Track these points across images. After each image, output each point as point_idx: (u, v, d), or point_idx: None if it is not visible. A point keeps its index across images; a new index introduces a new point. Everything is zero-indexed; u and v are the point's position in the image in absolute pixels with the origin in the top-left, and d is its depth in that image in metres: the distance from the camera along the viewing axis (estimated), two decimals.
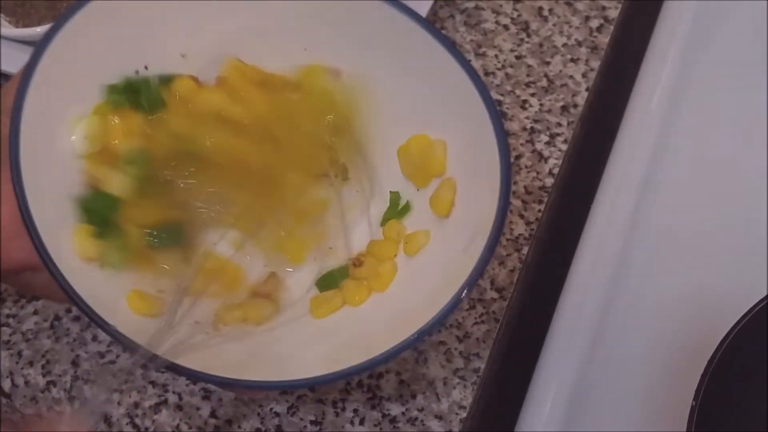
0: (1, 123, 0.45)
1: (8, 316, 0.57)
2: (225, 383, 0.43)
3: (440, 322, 0.43)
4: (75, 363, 0.56)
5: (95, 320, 0.42)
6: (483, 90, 0.46)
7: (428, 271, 0.48)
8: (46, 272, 0.42)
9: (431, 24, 0.48)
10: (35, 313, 0.58)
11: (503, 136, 0.45)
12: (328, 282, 0.50)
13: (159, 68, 0.51)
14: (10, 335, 0.57)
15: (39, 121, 0.44)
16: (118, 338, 0.42)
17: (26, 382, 0.55)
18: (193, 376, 0.43)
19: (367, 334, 0.46)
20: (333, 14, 0.49)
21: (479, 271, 0.43)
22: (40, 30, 0.67)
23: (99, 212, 0.47)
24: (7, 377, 0.56)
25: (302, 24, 0.50)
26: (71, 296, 0.42)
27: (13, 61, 0.66)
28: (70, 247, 0.45)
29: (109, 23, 0.48)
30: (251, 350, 0.47)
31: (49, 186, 0.45)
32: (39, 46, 0.45)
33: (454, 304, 0.43)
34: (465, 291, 0.43)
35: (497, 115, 0.45)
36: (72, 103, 0.47)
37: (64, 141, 0.46)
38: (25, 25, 0.68)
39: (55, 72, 0.45)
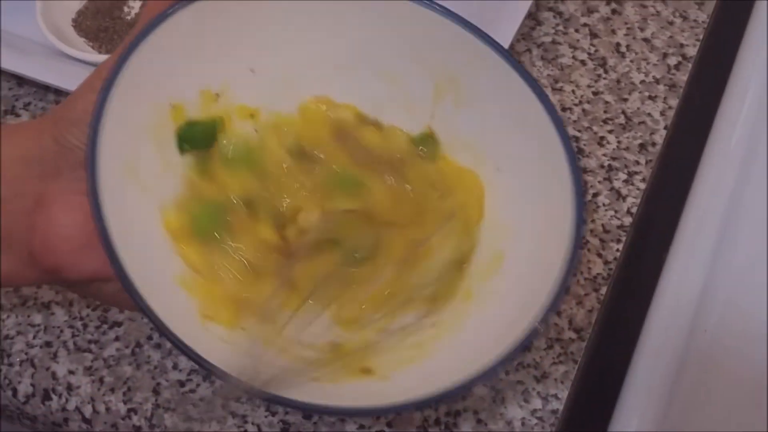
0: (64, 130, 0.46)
1: (90, 341, 0.58)
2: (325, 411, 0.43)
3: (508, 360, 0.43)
4: (156, 391, 0.56)
5: (176, 344, 0.41)
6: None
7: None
8: (115, 283, 0.42)
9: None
10: (117, 339, 0.58)
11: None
12: None
13: (223, 79, 0.51)
14: (92, 361, 0.57)
15: (119, 132, 0.44)
16: (199, 362, 0.41)
17: (107, 409, 0.56)
18: (296, 407, 0.42)
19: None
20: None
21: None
22: None
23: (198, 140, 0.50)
24: (89, 403, 0.56)
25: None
26: (149, 316, 0.41)
27: None
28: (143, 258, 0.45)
29: (192, 32, 0.48)
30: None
31: (123, 197, 0.45)
32: (121, 56, 0.45)
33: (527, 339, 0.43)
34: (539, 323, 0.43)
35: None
36: (151, 115, 0.48)
37: (143, 152, 0.47)
38: (108, 51, 0.69)
39: (136, 83, 0.45)
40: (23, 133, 0.46)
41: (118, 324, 0.59)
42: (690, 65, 0.71)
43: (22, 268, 0.45)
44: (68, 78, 0.66)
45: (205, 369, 0.41)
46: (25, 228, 0.45)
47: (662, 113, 0.68)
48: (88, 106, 0.44)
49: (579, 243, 0.45)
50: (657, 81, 0.70)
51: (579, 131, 0.67)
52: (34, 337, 0.58)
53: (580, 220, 0.45)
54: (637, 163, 0.66)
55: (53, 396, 0.56)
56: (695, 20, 0.74)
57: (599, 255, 0.62)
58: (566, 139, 0.47)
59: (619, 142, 0.67)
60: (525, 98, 0.48)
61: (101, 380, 0.57)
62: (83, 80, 0.47)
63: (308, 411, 0.52)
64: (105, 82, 0.44)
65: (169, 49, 0.47)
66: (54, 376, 0.57)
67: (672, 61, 0.71)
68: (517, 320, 0.44)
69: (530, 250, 0.48)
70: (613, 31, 0.73)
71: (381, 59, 0.52)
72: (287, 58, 0.52)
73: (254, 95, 0.52)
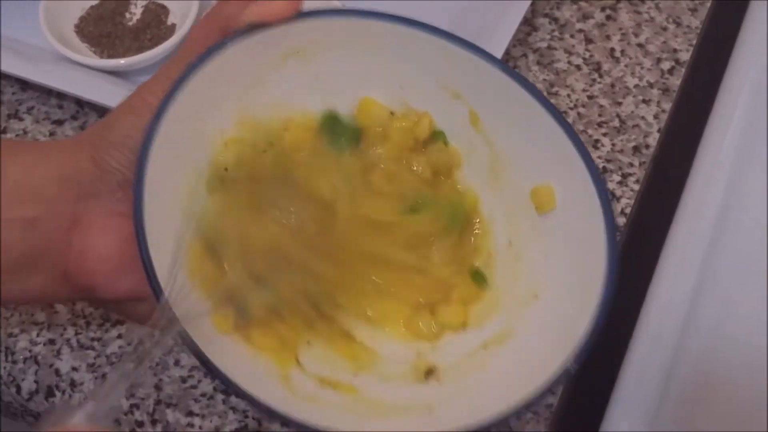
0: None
1: (93, 339, 0.59)
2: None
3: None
4: (158, 387, 0.57)
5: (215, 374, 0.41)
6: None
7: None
8: (147, 303, 0.43)
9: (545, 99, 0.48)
10: (119, 336, 0.59)
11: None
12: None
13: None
14: (95, 358, 0.58)
15: (166, 161, 0.43)
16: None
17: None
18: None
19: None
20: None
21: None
22: (124, 62, 0.69)
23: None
24: None
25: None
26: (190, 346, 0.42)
27: (98, 91, 0.67)
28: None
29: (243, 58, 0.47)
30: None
31: (166, 225, 0.44)
32: (174, 86, 0.44)
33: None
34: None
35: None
36: (200, 148, 0.47)
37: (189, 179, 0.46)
38: (110, 56, 0.70)
39: (184, 114, 0.44)
40: (59, 151, 0.46)
41: (121, 322, 0.60)
42: (683, 70, 0.72)
43: (56, 286, 0.46)
44: (71, 82, 0.68)
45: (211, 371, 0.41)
46: (61, 247, 0.45)
47: (656, 116, 0.70)
48: (129, 129, 0.44)
49: (612, 289, 0.45)
50: (651, 85, 0.71)
51: None
52: (38, 335, 0.59)
53: (614, 268, 0.46)
54: (631, 165, 0.67)
55: (57, 393, 0.57)
56: (688, 26, 0.75)
57: None
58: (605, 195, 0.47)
59: (613, 144, 0.68)
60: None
61: (104, 377, 0.58)
62: (122, 101, 0.46)
63: None
64: (157, 108, 0.43)
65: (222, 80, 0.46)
66: (57, 373, 0.58)
67: (665, 65, 0.73)
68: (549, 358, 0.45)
69: (564, 290, 0.49)
70: (608, 37, 0.74)
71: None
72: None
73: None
